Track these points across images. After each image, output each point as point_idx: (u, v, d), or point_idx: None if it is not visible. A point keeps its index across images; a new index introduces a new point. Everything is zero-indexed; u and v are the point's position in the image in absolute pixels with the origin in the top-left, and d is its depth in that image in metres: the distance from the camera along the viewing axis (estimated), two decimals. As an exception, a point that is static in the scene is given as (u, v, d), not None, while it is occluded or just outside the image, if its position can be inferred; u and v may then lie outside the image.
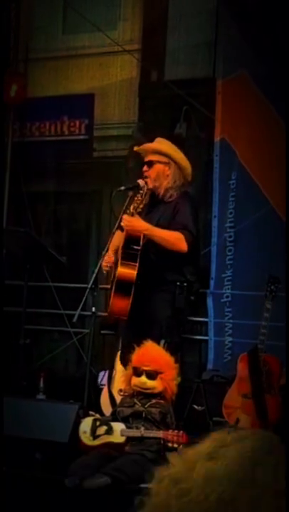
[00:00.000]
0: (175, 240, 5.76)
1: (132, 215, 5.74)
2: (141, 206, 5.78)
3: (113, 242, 5.92)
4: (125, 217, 5.75)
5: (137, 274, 5.68)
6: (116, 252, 5.89)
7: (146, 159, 6.04)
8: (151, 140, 6.27)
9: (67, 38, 9.19)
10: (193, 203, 6.05)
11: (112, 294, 5.73)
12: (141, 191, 5.80)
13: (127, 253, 5.74)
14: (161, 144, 6.09)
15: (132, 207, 5.78)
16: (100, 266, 5.79)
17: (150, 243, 5.78)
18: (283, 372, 5.94)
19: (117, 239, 5.91)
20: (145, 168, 6.00)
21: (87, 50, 8.90)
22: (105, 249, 5.87)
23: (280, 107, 6.84)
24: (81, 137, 8.60)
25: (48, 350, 7.93)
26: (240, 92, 7.07)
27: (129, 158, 7.29)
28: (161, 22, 8.18)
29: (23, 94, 8.60)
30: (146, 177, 5.94)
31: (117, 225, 5.84)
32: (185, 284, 5.83)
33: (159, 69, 8.18)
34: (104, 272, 5.88)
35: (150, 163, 6.00)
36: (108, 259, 5.86)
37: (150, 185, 5.94)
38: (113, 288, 5.74)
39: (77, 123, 8.59)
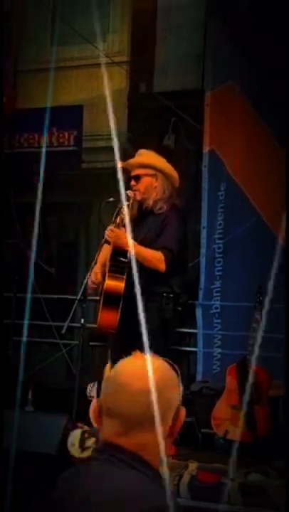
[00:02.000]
0: (154, 260, 5.76)
1: (118, 226, 5.73)
2: (127, 217, 5.77)
3: (101, 256, 5.90)
4: (111, 228, 5.73)
5: (125, 286, 5.67)
6: (104, 266, 5.88)
7: (133, 174, 6.02)
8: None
9: (56, 50, 9.20)
10: (182, 217, 6.04)
11: (100, 308, 5.72)
12: (127, 202, 5.80)
13: (115, 265, 5.72)
14: (145, 156, 6.07)
15: (118, 218, 5.77)
16: (89, 277, 5.77)
17: None
18: (272, 383, 5.94)
19: (105, 252, 5.90)
20: (133, 182, 5.99)
21: (76, 61, 8.92)
22: (93, 262, 5.85)
23: (268, 118, 6.87)
24: (70, 148, 8.60)
25: (37, 362, 7.90)
26: (229, 104, 7.09)
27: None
28: (150, 34, 8.20)
29: (13, 105, 8.60)
30: (134, 190, 5.94)
31: (104, 239, 5.83)
32: (171, 295, 5.83)
33: (148, 81, 8.19)
34: (90, 291, 5.84)
35: (137, 178, 5.99)
36: (95, 276, 5.83)
37: (138, 198, 5.93)
38: (101, 301, 5.73)
39: (66, 134, 8.60)
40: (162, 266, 5.76)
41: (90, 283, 5.82)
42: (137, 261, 5.76)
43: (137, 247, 5.75)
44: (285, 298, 5.98)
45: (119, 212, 5.80)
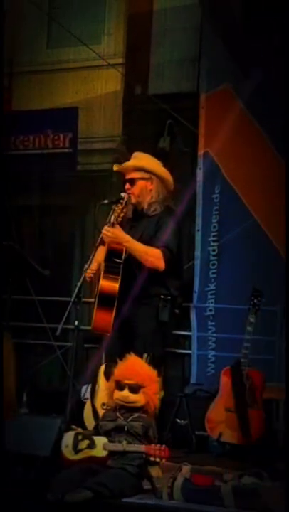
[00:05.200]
0: (153, 257, 5.76)
1: (113, 225, 5.73)
2: (122, 215, 5.78)
3: (96, 257, 5.91)
4: (106, 227, 5.74)
5: (120, 287, 5.67)
6: (100, 265, 5.88)
7: (128, 177, 6.01)
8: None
9: (52, 52, 9.22)
10: (176, 218, 6.04)
11: (95, 309, 5.72)
12: (121, 201, 5.80)
13: (109, 266, 5.73)
14: (141, 160, 6.07)
15: (112, 217, 5.77)
16: (83, 279, 5.77)
17: (132, 256, 5.78)
18: (266, 386, 5.95)
19: (100, 254, 5.90)
20: (127, 186, 5.98)
21: (71, 64, 8.94)
22: (88, 263, 5.85)
23: (263, 121, 6.88)
24: (65, 151, 8.61)
25: (32, 364, 7.90)
26: (224, 107, 7.10)
27: (113, 171, 7.31)
28: (146, 37, 8.23)
29: (8, 107, 8.61)
30: (129, 193, 5.94)
31: (99, 239, 5.83)
32: (169, 298, 5.83)
33: (143, 83, 8.21)
34: (88, 279, 5.85)
35: (132, 181, 5.98)
36: (93, 267, 5.84)
37: (133, 201, 5.94)
38: (96, 302, 5.73)
39: (61, 136, 8.61)
40: (160, 264, 5.76)
41: (88, 271, 5.80)
42: (136, 261, 5.77)
43: (135, 242, 5.75)
44: (285, 301, 6.00)
45: (113, 212, 5.80)
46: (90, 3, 8.97)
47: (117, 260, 5.73)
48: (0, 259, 6.29)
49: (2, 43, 7.55)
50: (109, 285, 5.68)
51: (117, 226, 5.73)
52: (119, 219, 5.75)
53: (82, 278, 5.76)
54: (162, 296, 5.83)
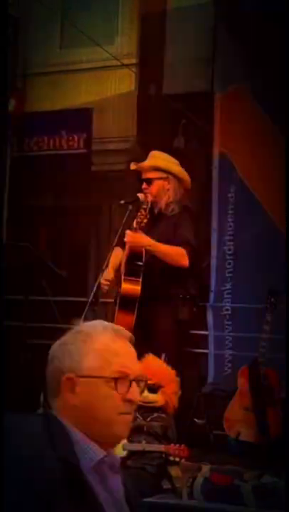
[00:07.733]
0: (177, 255, 5.76)
1: (136, 230, 5.72)
2: (145, 221, 5.76)
3: (113, 258, 5.91)
4: (129, 232, 5.73)
5: (141, 289, 5.68)
6: (116, 270, 5.89)
7: (145, 177, 6.00)
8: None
9: (65, 53, 9.24)
10: (194, 218, 6.05)
11: (117, 311, 5.73)
12: (144, 206, 5.78)
13: (131, 269, 5.73)
14: (158, 159, 6.05)
15: (134, 222, 5.75)
16: (100, 280, 5.78)
17: (152, 258, 5.78)
18: (282, 385, 5.94)
19: (117, 255, 5.90)
20: (144, 185, 5.97)
21: (84, 64, 8.95)
22: (105, 265, 5.85)
23: (278, 120, 6.87)
24: (80, 151, 8.62)
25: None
26: (239, 106, 7.10)
27: (128, 171, 7.32)
28: (159, 36, 8.21)
29: (22, 109, 8.63)
30: (146, 193, 5.93)
31: (116, 241, 5.83)
32: (188, 296, 5.84)
33: (157, 83, 8.20)
34: (104, 291, 5.86)
35: (149, 181, 5.97)
36: (108, 276, 5.84)
37: (150, 199, 5.92)
38: (117, 304, 5.74)
39: (76, 137, 8.62)
40: (185, 261, 5.76)
41: (102, 281, 5.82)
42: (155, 263, 5.76)
43: (157, 244, 5.75)
44: (286, 300, 6.00)
45: (132, 215, 5.80)
46: (103, 3, 8.99)
47: (139, 263, 5.73)
48: (0, 258, 6.31)
49: (6, 46, 7.60)
50: (131, 288, 5.69)
51: (139, 231, 5.72)
52: (142, 224, 5.73)
53: (99, 279, 5.77)
54: (181, 296, 5.84)
